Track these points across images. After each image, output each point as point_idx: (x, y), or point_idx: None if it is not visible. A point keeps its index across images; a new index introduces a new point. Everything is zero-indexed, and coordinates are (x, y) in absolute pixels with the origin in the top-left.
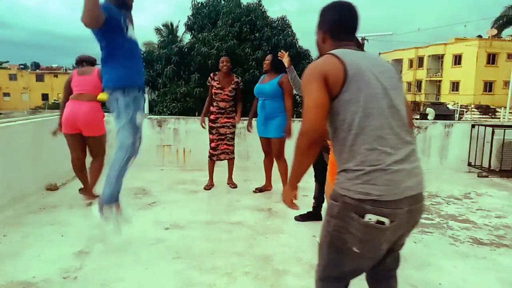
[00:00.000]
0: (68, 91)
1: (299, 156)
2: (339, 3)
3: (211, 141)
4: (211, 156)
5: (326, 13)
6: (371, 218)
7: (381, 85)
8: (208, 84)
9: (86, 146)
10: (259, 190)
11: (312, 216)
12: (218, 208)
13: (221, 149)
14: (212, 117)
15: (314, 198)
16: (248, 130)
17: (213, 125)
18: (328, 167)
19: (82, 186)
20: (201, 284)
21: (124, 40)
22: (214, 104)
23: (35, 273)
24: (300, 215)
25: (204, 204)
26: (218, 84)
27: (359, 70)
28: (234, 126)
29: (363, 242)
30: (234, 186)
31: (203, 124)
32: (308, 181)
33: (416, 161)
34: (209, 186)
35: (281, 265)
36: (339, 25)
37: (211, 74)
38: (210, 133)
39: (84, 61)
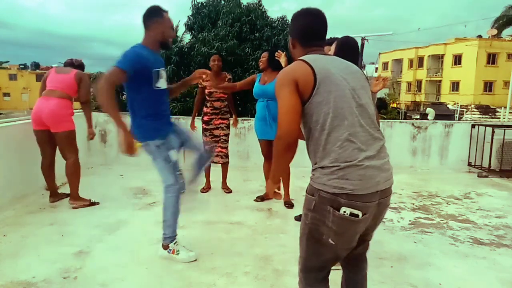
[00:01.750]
0: (43, 87)
1: (278, 158)
2: (307, 10)
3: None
4: None
5: (295, 20)
6: (345, 211)
7: (349, 86)
8: (200, 85)
9: (55, 147)
10: (261, 198)
11: None
12: (218, 208)
13: (216, 151)
14: (205, 118)
15: None
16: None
17: (207, 126)
18: None
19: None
20: (201, 284)
21: (151, 92)
22: (208, 104)
23: (35, 273)
24: (300, 215)
25: (204, 204)
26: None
27: (327, 74)
28: (228, 128)
29: (338, 234)
30: (228, 191)
31: (194, 127)
32: (308, 181)
33: (386, 157)
34: (206, 189)
35: (281, 265)
36: (307, 32)
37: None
38: (204, 135)
39: (70, 65)
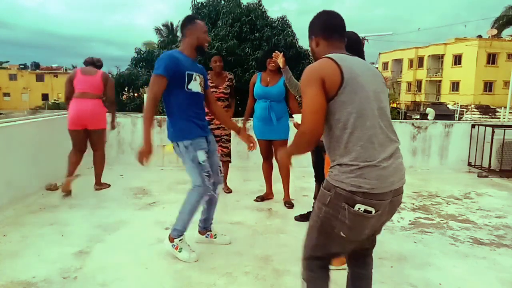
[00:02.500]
0: (70, 88)
1: (298, 148)
2: (324, 10)
3: None
4: None
5: (315, 21)
6: (360, 207)
7: (372, 89)
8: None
9: (87, 142)
10: (261, 198)
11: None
12: (218, 208)
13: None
14: (206, 118)
15: (314, 198)
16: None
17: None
18: (325, 166)
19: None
20: (201, 284)
21: (183, 94)
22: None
23: (35, 273)
24: (300, 215)
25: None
26: (212, 83)
27: (354, 74)
28: (226, 129)
29: (350, 228)
30: (228, 191)
31: None
32: (308, 181)
33: (400, 158)
34: None
35: (281, 265)
36: (330, 26)
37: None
38: None
39: (91, 64)
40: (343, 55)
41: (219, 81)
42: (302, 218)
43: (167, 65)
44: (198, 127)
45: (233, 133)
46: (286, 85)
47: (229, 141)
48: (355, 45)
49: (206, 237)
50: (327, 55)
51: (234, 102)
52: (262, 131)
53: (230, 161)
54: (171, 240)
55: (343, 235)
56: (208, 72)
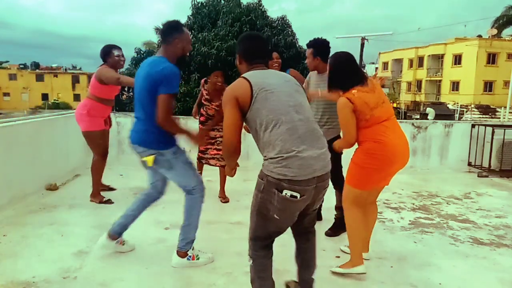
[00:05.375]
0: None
1: (225, 158)
2: (250, 34)
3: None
4: (199, 158)
5: (241, 42)
6: (287, 193)
7: (284, 91)
8: (202, 88)
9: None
10: None
11: (339, 227)
12: (218, 208)
13: (211, 154)
14: (202, 119)
15: (336, 208)
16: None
17: (203, 127)
18: (348, 169)
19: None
20: (201, 284)
21: (171, 103)
22: (203, 108)
23: (35, 273)
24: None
25: (204, 204)
26: (207, 95)
27: (262, 85)
28: (221, 130)
29: (281, 210)
30: (225, 200)
31: (196, 116)
32: None
33: (323, 148)
34: None
35: (281, 265)
36: (250, 52)
37: (202, 81)
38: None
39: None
40: (255, 72)
41: (214, 96)
42: (332, 232)
43: (178, 77)
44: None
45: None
46: None
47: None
48: (343, 64)
49: (117, 243)
50: (242, 75)
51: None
52: None
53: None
54: (184, 254)
55: (276, 217)
56: (208, 80)
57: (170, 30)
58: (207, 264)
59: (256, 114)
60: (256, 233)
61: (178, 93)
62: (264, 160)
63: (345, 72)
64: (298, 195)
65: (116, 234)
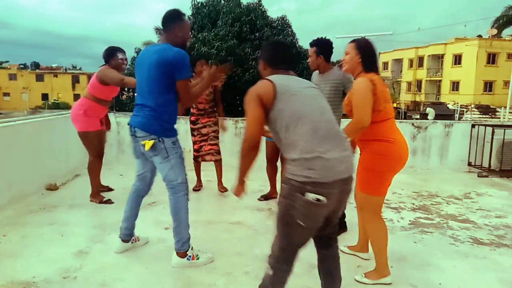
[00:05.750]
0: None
1: (242, 158)
2: (275, 42)
3: (194, 143)
4: (195, 158)
5: (266, 48)
6: (311, 196)
7: (306, 94)
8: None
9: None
10: (264, 197)
11: (339, 228)
12: (218, 208)
13: (205, 150)
14: (192, 118)
15: None
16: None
17: (194, 126)
18: (360, 177)
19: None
20: (201, 284)
21: (176, 93)
22: (193, 105)
23: (35, 273)
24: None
25: (204, 204)
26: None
27: (285, 86)
28: (216, 124)
29: (306, 216)
30: (224, 190)
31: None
32: None
33: (346, 150)
34: (198, 187)
35: None
36: (275, 58)
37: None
38: (192, 135)
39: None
40: (279, 76)
41: None
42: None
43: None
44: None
45: (231, 134)
46: None
47: (217, 137)
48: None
49: (132, 242)
50: (266, 78)
51: (221, 108)
52: None
53: (221, 159)
54: (184, 255)
55: (301, 223)
56: (193, 75)
57: (171, 18)
58: (207, 264)
59: (278, 114)
60: (281, 243)
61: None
62: (287, 163)
63: (372, 53)
64: (324, 199)
65: (127, 237)
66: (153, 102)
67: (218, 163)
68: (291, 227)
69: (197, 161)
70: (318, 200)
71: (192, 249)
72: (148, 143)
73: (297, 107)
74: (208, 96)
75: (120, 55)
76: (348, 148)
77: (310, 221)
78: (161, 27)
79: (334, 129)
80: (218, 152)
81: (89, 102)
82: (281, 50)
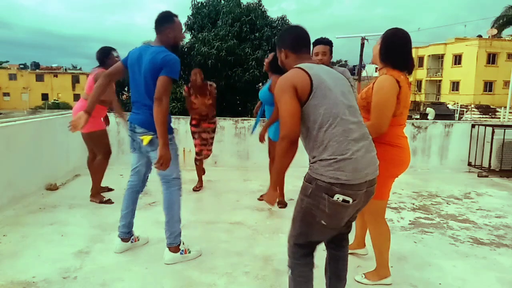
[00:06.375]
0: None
1: (281, 158)
2: (294, 26)
3: (196, 145)
4: (196, 161)
5: (285, 35)
6: (338, 197)
7: (339, 91)
8: (185, 94)
9: (91, 146)
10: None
11: None
12: (218, 208)
13: (204, 154)
14: (194, 122)
15: None
16: (261, 141)
17: (195, 129)
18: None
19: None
20: (201, 284)
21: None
22: (194, 112)
23: (35, 273)
24: None
25: (204, 204)
26: (195, 98)
27: (321, 80)
28: (214, 131)
29: (330, 216)
30: (199, 188)
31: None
32: None
33: (373, 151)
34: (198, 187)
35: (281, 265)
36: (299, 42)
37: (186, 88)
38: (193, 137)
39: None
40: (311, 65)
41: (200, 93)
42: None
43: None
44: None
45: (231, 134)
46: (271, 89)
47: (212, 144)
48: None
49: (132, 242)
50: (297, 66)
51: (214, 110)
52: (273, 132)
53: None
54: (176, 249)
55: (324, 223)
56: (189, 85)
57: (161, 20)
58: (197, 257)
59: (312, 110)
60: (297, 241)
61: (178, 80)
62: (312, 162)
63: (398, 45)
64: (351, 200)
65: (126, 235)
66: (151, 101)
67: (200, 164)
68: (312, 226)
69: (197, 164)
70: (345, 201)
71: (183, 243)
72: (146, 138)
73: (332, 105)
74: (208, 100)
75: (115, 54)
76: (375, 149)
77: (333, 221)
78: (154, 29)
79: (364, 131)
80: (208, 156)
81: None
82: (302, 32)
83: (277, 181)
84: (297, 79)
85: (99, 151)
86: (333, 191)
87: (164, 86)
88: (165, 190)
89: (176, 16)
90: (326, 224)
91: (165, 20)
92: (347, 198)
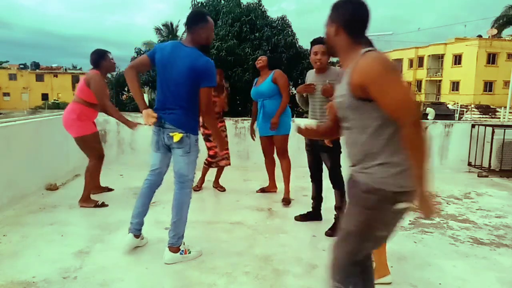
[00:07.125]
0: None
1: (423, 147)
2: (357, 1)
3: (209, 148)
4: (209, 163)
5: (344, 6)
6: (403, 206)
7: None
8: None
9: (83, 150)
10: (262, 190)
11: (312, 216)
12: (218, 208)
13: (221, 155)
14: (205, 131)
15: (312, 198)
16: (252, 138)
17: (207, 131)
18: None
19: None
20: (201, 284)
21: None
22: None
23: (35, 273)
24: (300, 215)
25: (204, 204)
26: (214, 96)
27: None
28: (225, 130)
29: (390, 225)
30: (222, 189)
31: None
32: (308, 181)
33: None
34: (199, 188)
35: (281, 265)
36: (357, 21)
37: None
38: (207, 140)
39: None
40: (383, 54)
41: (219, 92)
42: (302, 218)
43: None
44: None
45: (231, 134)
46: (275, 81)
47: (227, 143)
48: None
49: (142, 239)
50: (378, 51)
51: (226, 107)
52: (262, 128)
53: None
54: (177, 250)
55: (384, 234)
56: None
57: (195, 19)
58: (197, 258)
59: None
60: (355, 257)
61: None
62: (374, 166)
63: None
64: (410, 206)
65: (138, 232)
66: (185, 102)
67: (224, 167)
68: (370, 240)
69: (211, 166)
70: (406, 208)
71: (183, 244)
72: (177, 135)
73: None
74: (224, 99)
75: (110, 56)
76: None
77: (392, 230)
78: (186, 27)
79: None
80: (229, 157)
81: (81, 107)
82: (365, 11)
83: (426, 180)
84: (393, 64)
85: (91, 155)
86: (400, 200)
87: (209, 98)
88: (177, 190)
89: (209, 15)
90: (387, 234)
91: (199, 20)
92: (408, 206)
